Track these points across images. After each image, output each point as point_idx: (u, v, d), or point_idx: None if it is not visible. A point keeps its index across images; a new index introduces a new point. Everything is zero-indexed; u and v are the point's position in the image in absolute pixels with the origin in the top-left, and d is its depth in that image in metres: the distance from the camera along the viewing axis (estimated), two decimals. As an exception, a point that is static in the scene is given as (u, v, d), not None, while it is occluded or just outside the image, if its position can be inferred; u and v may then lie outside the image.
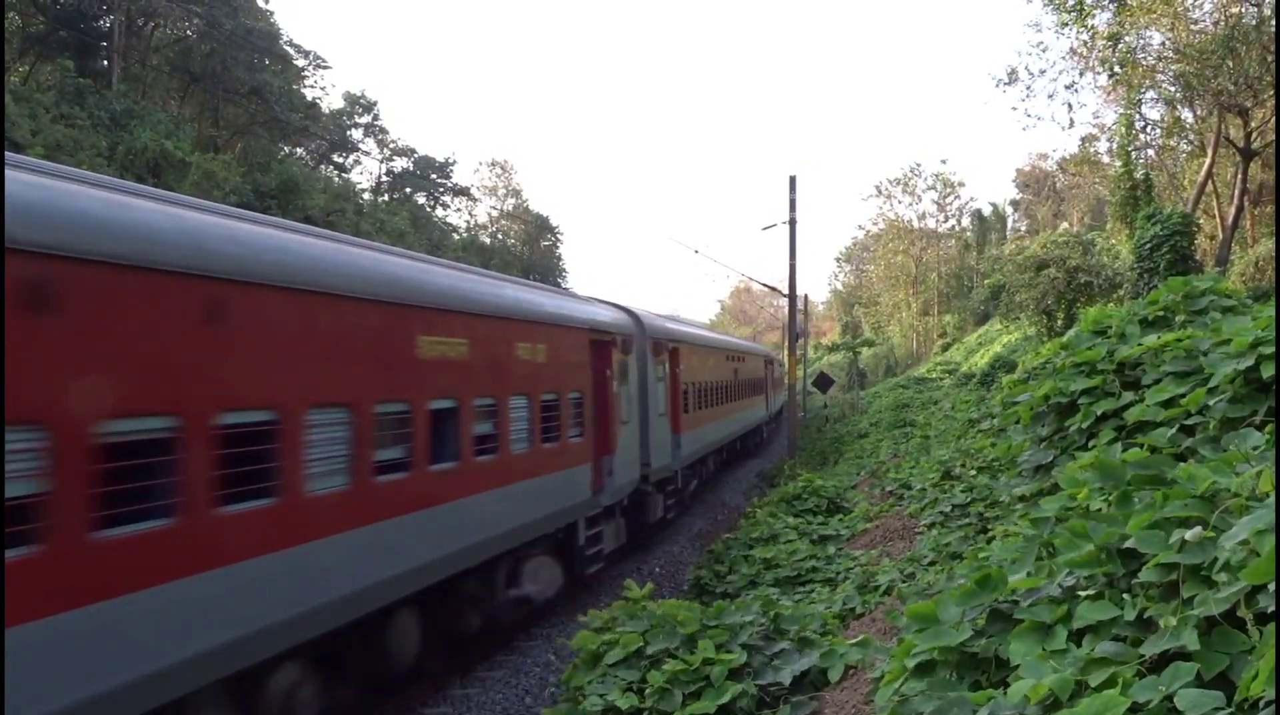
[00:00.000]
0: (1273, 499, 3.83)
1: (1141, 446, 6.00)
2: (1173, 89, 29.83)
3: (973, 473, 13.13)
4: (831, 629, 8.22)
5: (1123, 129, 31.40)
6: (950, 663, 4.59)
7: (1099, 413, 7.17)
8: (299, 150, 57.30)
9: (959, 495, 12.17)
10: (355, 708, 9.97)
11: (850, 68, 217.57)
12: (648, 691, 6.77)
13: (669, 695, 6.65)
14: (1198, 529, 3.93)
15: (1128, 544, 4.32)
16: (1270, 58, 25.26)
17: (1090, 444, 6.96)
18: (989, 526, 10.14)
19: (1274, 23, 24.33)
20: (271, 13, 49.78)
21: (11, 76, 36.73)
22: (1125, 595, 4.20)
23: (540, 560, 13.26)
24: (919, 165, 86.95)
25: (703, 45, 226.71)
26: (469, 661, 12.00)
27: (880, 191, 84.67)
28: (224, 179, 33.66)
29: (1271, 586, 3.39)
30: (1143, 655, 3.75)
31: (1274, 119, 27.75)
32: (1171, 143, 35.31)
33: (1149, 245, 26.18)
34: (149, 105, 39.06)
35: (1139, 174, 32.25)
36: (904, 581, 9.84)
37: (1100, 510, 5.22)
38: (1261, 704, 3.07)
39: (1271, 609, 3.35)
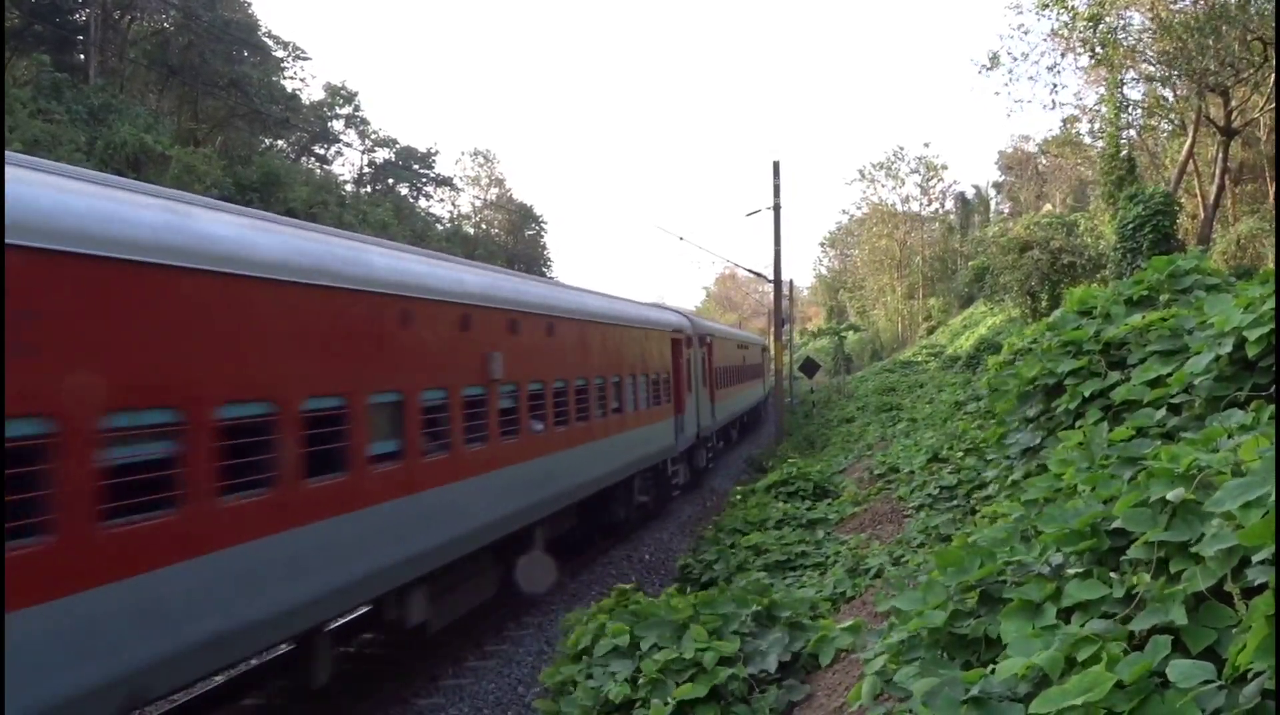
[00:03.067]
0: (1257, 470, 3.86)
1: (1128, 426, 6.03)
2: (1154, 68, 29.92)
3: (960, 455, 13.16)
4: (822, 613, 8.25)
5: (1112, 112, 31.44)
6: (940, 644, 4.62)
7: (1086, 393, 7.21)
8: (280, 143, 56.86)
9: (947, 478, 12.20)
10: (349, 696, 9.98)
11: (833, 52, 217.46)
12: (640, 682, 6.77)
13: (662, 685, 6.65)
14: (1180, 490, 3.97)
15: (1115, 524, 4.36)
16: (1251, 38, 25.36)
17: (1078, 424, 7.00)
18: (977, 508, 10.18)
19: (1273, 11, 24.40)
20: (249, 4, 49.35)
21: (-13, 72, 36.35)
22: (1113, 573, 4.23)
23: (649, 481, 20.29)
24: (902, 149, 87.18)
25: (685, 31, 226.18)
26: (460, 651, 12.00)
27: (864, 175, 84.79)
28: (204, 173, 33.39)
29: (1256, 559, 3.42)
30: (1132, 632, 3.78)
31: (1255, 97, 27.88)
32: (1153, 123, 35.44)
33: (1132, 225, 26.29)
34: (127, 99, 38.68)
35: (1123, 154, 32.39)
36: (893, 564, 9.87)
37: (1087, 490, 5.25)
38: (1249, 676, 3.10)
39: (1259, 581, 3.38)
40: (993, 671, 3.96)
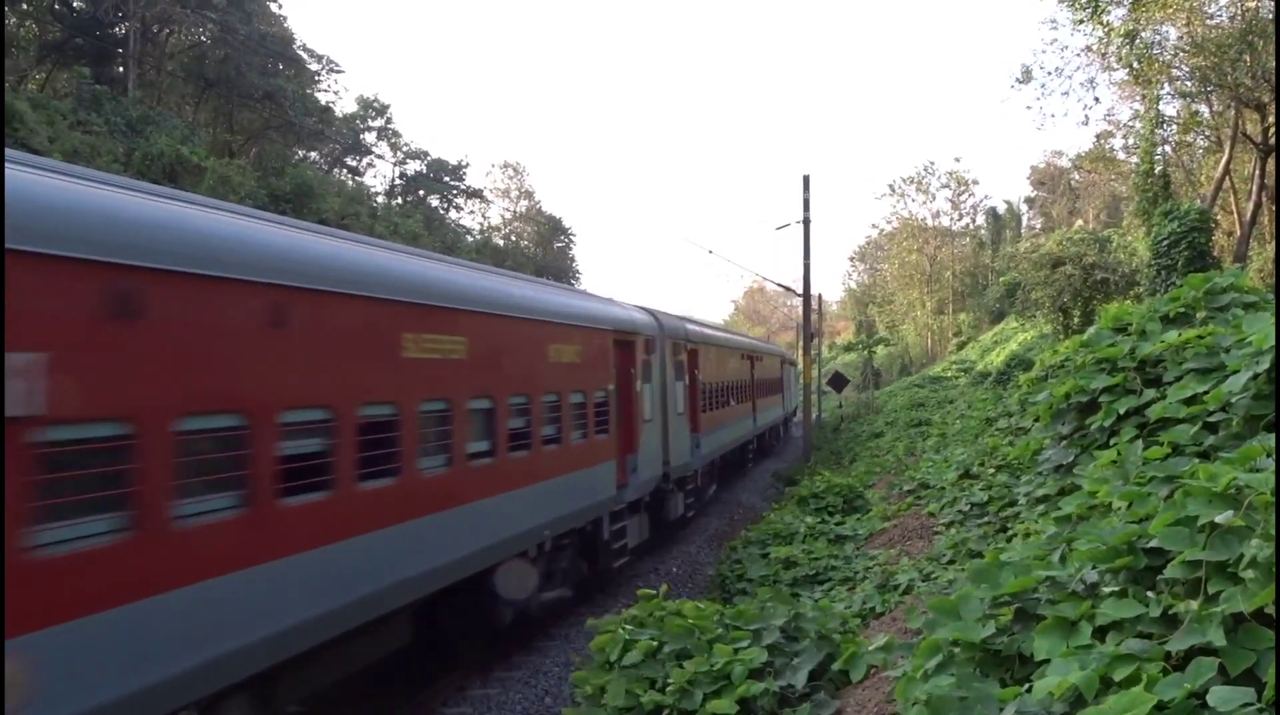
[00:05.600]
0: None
1: (1163, 444, 5.98)
2: (1189, 84, 29.64)
3: (991, 471, 13.06)
4: (852, 628, 8.21)
5: (1148, 128, 31.15)
6: (974, 660, 4.59)
7: (1121, 411, 7.14)
8: (313, 154, 57.44)
9: (978, 494, 12.11)
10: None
11: (863, 66, 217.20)
12: (669, 689, 6.77)
13: (690, 694, 6.65)
14: (1229, 513, 3.91)
15: (1152, 542, 4.32)
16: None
17: (1112, 442, 6.94)
18: (1009, 525, 10.11)
19: (1273, 19, 24.15)
20: (285, 18, 50.03)
21: (29, 84, 37.04)
22: (1149, 592, 4.20)
23: (774, 435, 41.16)
24: (933, 163, 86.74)
25: (715, 45, 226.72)
26: (488, 661, 12.04)
27: (894, 190, 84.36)
28: (239, 183, 33.79)
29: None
30: (1168, 651, 3.75)
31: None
32: (1188, 138, 35.09)
33: (1166, 242, 26.03)
34: (164, 111, 39.24)
35: (1157, 170, 32.07)
36: (923, 580, 9.81)
37: (1122, 508, 5.21)
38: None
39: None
40: (1029, 690, 3.94)
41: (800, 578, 12.57)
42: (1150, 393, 7.12)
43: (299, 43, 50.89)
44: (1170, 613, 3.96)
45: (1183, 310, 8.31)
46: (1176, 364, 7.13)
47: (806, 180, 32.19)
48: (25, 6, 38.43)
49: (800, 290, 34.60)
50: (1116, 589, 4.31)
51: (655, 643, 7.34)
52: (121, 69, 40.37)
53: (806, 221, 32.21)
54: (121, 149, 31.70)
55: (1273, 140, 29.02)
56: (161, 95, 42.12)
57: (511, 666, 12.07)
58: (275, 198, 37.54)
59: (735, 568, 14.37)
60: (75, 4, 39.55)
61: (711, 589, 13.77)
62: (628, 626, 7.82)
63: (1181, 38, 28.19)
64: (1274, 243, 30.01)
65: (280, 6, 59.57)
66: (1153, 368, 7.46)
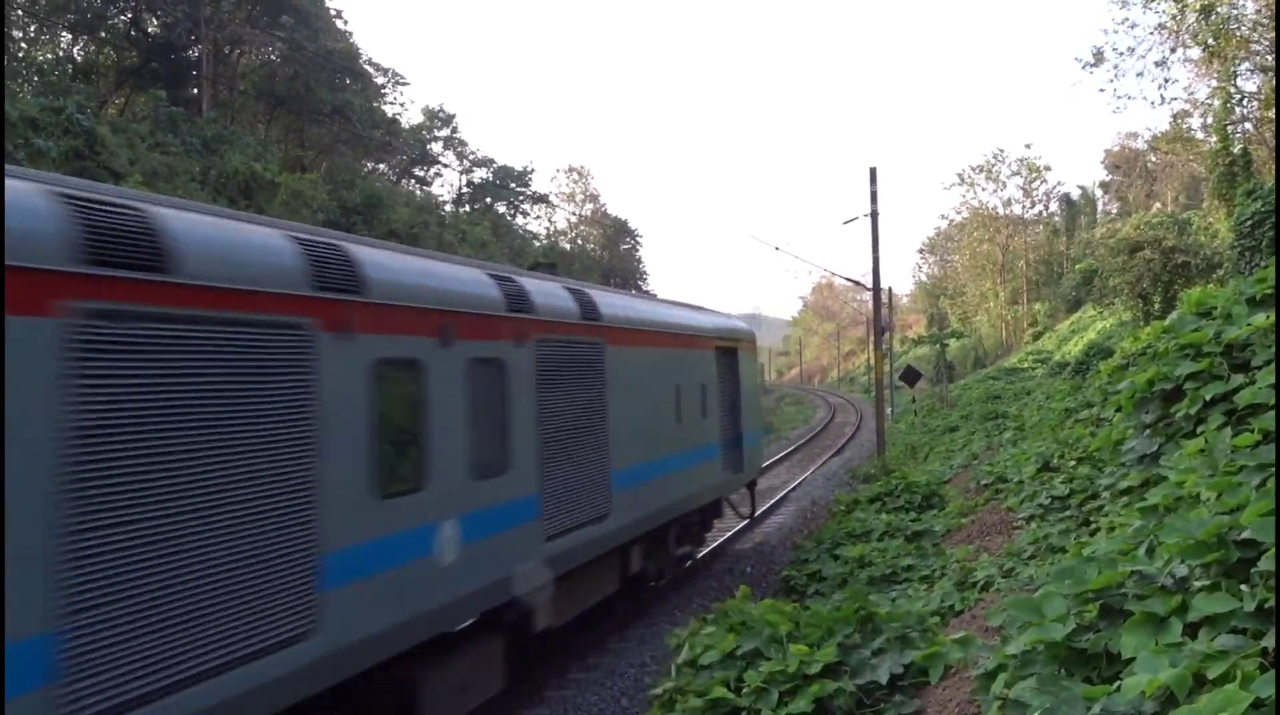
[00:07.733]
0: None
1: (1254, 431, 5.76)
2: (1270, 58, 28.61)
3: (1072, 464, 12.72)
4: (930, 627, 8.06)
5: (1221, 105, 30.13)
6: (1057, 658, 4.46)
7: (1207, 397, 6.91)
8: (381, 166, 58.48)
9: (1058, 487, 11.80)
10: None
11: (930, 56, 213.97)
12: (745, 690, 6.72)
13: (766, 694, 6.59)
14: None
15: (1244, 534, 4.16)
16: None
17: (1198, 430, 6.71)
18: (1092, 519, 9.83)
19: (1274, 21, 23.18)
20: (350, 33, 50.94)
21: (109, 108, 38.28)
22: (1243, 586, 4.04)
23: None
24: (1003, 151, 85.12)
25: (782, 38, 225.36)
26: (564, 663, 12.09)
27: (963, 179, 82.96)
28: (311, 197, 34.53)
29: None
30: (1265, 648, 3.60)
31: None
32: (1270, 114, 33.86)
33: (1249, 222, 25.09)
34: (238, 129, 40.30)
35: (1236, 149, 30.99)
36: (1003, 577, 9.59)
37: (1211, 499, 5.03)
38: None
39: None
40: (1117, 689, 3.81)
41: (876, 577, 12.39)
42: (1238, 378, 6.87)
43: (365, 57, 51.88)
44: (1266, 607, 3.80)
45: (1269, 292, 8.00)
46: (1265, 347, 6.86)
47: (873, 173, 31.74)
48: (104, 35, 39.80)
49: (869, 284, 34.16)
50: (1208, 583, 4.16)
51: (733, 640, 7.30)
52: (196, 90, 41.56)
53: (874, 214, 31.77)
54: (198, 168, 32.60)
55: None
56: (234, 114, 43.24)
57: (588, 668, 12.10)
58: (346, 210, 38.28)
59: (806, 567, 14.23)
60: (150, 30, 40.80)
61: (784, 591, 13.64)
62: (706, 631, 7.80)
63: (1260, 10, 27.22)
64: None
65: (346, 23, 60.80)
66: (1240, 352, 7.19)
